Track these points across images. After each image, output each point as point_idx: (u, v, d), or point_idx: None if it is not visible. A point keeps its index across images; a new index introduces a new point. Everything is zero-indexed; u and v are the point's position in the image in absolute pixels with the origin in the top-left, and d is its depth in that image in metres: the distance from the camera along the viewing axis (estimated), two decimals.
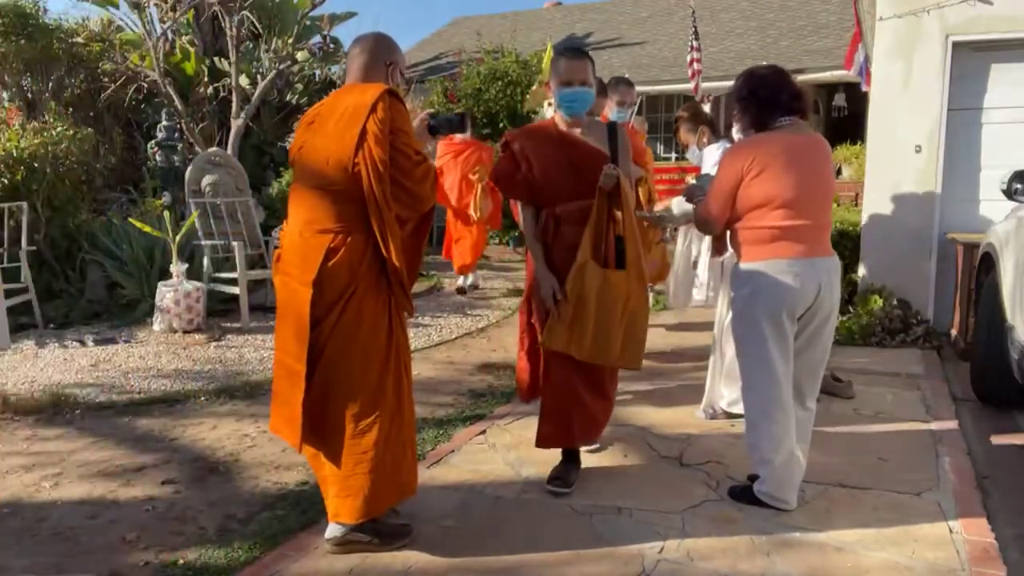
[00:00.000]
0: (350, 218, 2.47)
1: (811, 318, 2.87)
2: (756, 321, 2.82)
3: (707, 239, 4.65)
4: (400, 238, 2.51)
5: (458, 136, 6.93)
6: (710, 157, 4.32)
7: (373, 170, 2.41)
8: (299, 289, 2.49)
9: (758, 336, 2.83)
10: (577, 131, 3.15)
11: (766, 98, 2.87)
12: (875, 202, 5.97)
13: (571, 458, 3.25)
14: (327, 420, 2.53)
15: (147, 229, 6.22)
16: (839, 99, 12.68)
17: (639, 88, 12.94)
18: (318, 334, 2.49)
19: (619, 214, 3.04)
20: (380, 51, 2.63)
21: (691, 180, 3.71)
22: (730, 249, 3.33)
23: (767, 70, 2.96)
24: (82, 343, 5.74)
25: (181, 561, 2.62)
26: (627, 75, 6.42)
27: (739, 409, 3.80)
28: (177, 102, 9.57)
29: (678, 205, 4.01)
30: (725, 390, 3.96)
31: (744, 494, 2.98)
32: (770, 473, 2.89)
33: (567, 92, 3.10)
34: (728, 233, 3.05)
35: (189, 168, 7.29)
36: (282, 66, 10.05)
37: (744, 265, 2.91)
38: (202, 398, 4.47)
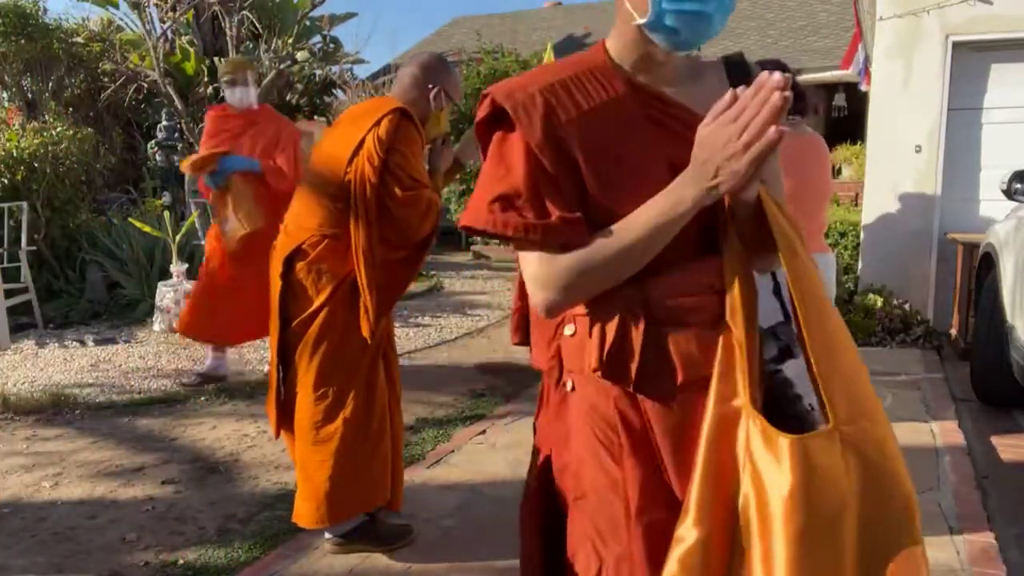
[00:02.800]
0: (333, 223, 2.46)
1: None
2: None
3: None
4: (374, 258, 2.43)
5: (235, 104, 4.51)
6: None
7: (359, 184, 2.40)
8: (274, 280, 2.54)
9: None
10: (670, 91, 1.21)
11: None
12: (875, 202, 5.97)
13: None
14: (294, 420, 2.55)
15: (147, 229, 6.22)
16: (839, 99, 12.67)
17: None
18: (290, 334, 2.51)
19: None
20: (426, 73, 2.58)
21: None
22: None
23: (771, 67, 2.94)
24: (82, 343, 5.74)
25: (181, 561, 2.62)
26: None
27: None
28: (177, 102, 9.56)
29: None
30: None
31: None
32: None
33: None
34: None
35: None
36: (282, 66, 10.04)
37: None
38: (202, 398, 4.47)
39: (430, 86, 2.57)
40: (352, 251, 2.44)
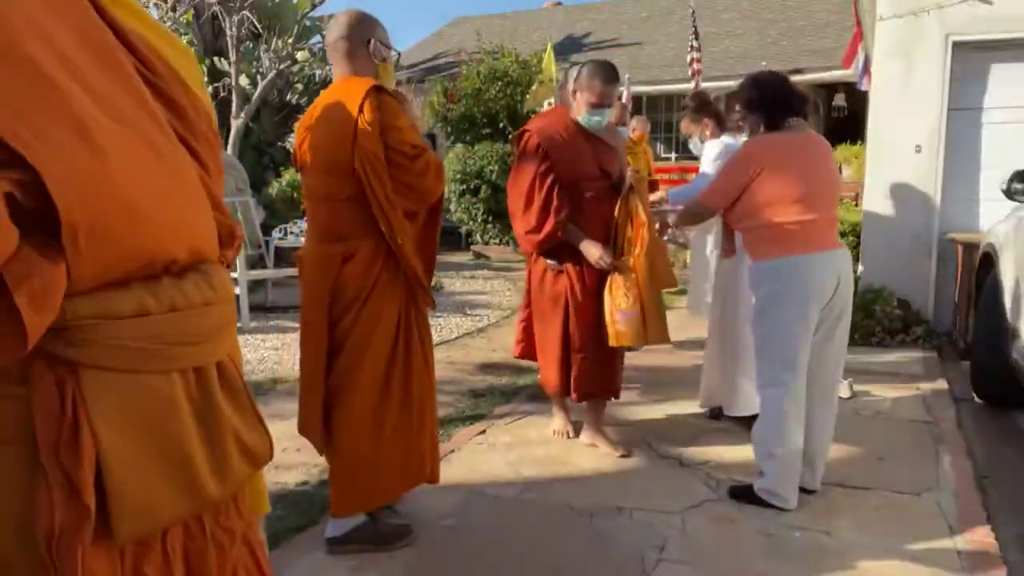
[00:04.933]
0: (362, 223, 2.47)
1: (831, 310, 2.90)
2: (784, 317, 2.84)
3: (711, 242, 4.65)
4: (411, 236, 2.51)
5: None
6: (711, 151, 4.31)
7: (372, 173, 2.41)
8: (319, 296, 2.52)
9: (784, 331, 2.84)
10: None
11: (779, 100, 2.94)
12: (875, 202, 5.97)
13: None
14: (337, 414, 2.55)
15: None
16: (839, 99, 12.68)
17: (640, 88, 12.92)
18: (336, 334, 2.53)
19: None
20: (356, 33, 2.54)
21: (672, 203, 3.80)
22: (738, 252, 3.34)
23: (772, 76, 3.05)
24: None
25: None
26: (627, 76, 6.37)
27: (732, 412, 3.80)
28: None
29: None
30: (729, 396, 3.88)
31: (744, 493, 2.98)
32: (773, 468, 2.89)
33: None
34: (739, 236, 3.09)
35: None
36: (282, 66, 10.05)
37: (764, 263, 2.92)
38: None
39: (365, 43, 2.54)
40: (382, 241, 2.47)
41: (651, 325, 3.30)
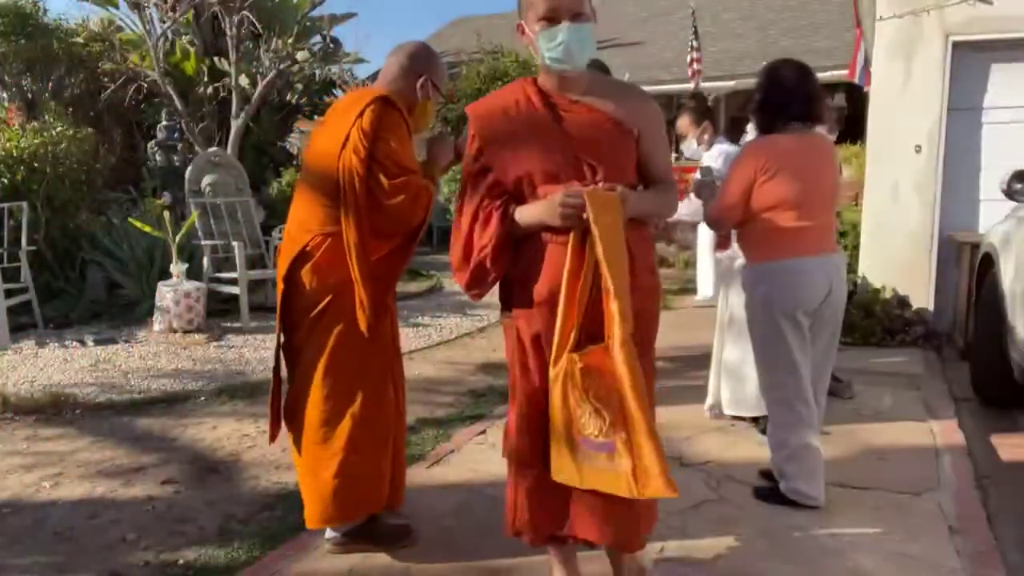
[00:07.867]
0: (333, 221, 2.43)
1: (822, 313, 2.89)
2: (774, 320, 2.84)
3: (706, 237, 4.65)
4: (366, 251, 2.40)
5: None
6: (708, 159, 4.32)
7: (347, 177, 2.38)
8: (279, 283, 2.53)
9: (778, 335, 2.84)
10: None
11: (777, 104, 2.91)
12: (875, 202, 5.97)
13: None
14: (301, 422, 2.53)
15: (147, 229, 6.22)
16: (839, 99, 12.67)
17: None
18: (296, 335, 2.51)
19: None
20: (413, 62, 2.53)
21: (696, 175, 3.72)
22: (732, 248, 3.34)
23: (790, 71, 2.95)
24: (82, 343, 5.74)
25: (181, 561, 2.62)
26: (627, 76, 6.37)
27: (737, 411, 3.80)
28: (177, 102, 9.55)
29: (686, 206, 4.00)
30: (726, 392, 3.92)
31: (772, 495, 2.96)
32: (799, 470, 2.88)
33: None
34: (735, 232, 3.07)
35: (189, 168, 7.29)
36: (282, 66, 10.03)
37: (757, 265, 2.92)
38: (202, 398, 4.48)
39: (418, 75, 2.53)
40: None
41: (642, 468, 1.89)
